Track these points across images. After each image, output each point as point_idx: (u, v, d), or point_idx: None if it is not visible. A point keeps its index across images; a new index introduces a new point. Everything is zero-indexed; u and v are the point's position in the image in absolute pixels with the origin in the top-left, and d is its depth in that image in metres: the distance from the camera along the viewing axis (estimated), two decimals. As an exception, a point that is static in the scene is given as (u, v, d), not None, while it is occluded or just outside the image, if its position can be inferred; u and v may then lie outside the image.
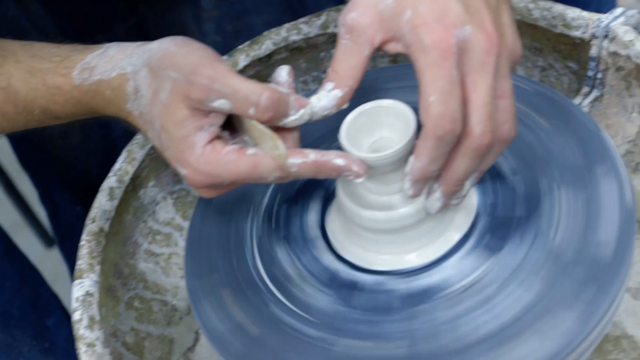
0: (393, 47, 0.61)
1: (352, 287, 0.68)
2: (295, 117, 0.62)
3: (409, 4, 0.59)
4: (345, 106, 0.63)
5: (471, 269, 0.66)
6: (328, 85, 0.62)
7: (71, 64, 0.67)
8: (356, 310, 0.66)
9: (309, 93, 0.69)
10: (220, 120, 0.62)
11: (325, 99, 0.62)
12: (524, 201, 0.69)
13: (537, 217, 0.67)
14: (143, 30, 1.09)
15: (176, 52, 0.62)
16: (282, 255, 0.71)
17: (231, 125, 0.65)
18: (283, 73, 0.64)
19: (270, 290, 0.69)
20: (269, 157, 0.61)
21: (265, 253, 0.72)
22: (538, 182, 0.69)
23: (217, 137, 0.62)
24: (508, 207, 0.69)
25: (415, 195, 0.63)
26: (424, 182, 0.62)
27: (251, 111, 0.60)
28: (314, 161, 0.61)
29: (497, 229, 0.68)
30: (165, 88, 0.61)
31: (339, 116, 0.65)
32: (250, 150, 0.61)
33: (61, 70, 0.67)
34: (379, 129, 0.66)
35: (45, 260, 1.57)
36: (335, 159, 0.61)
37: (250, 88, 0.60)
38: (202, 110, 0.61)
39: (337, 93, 0.62)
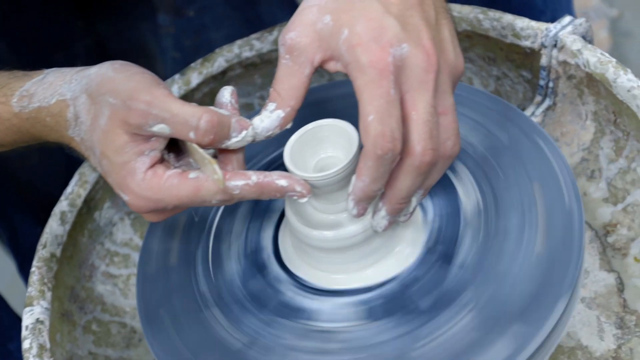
0: (333, 66, 0.61)
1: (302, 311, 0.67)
2: (237, 139, 0.61)
3: (346, 22, 0.59)
4: (288, 126, 0.63)
5: (425, 286, 0.66)
6: (270, 106, 0.62)
7: (10, 92, 0.66)
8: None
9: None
10: (161, 144, 0.61)
11: (267, 120, 0.62)
12: (474, 214, 0.69)
13: (485, 230, 0.67)
14: (103, 48, 1.09)
15: (114, 77, 0.61)
16: (234, 278, 0.71)
17: (177, 147, 0.64)
18: (226, 94, 0.64)
19: (222, 314, 0.69)
20: (211, 180, 0.60)
21: (217, 276, 0.71)
22: (487, 194, 0.70)
23: (160, 161, 0.62)
24: (457, 221, 0.69)
25: (360, 215, 0.62)
26: (368, 202, 0.61)
27: (191, 135, 0.59)
28: (257, 183, 0.61)
29: (447, 243, 0.67)
30: (104, 114, 0.60)
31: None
32: (192, 174, 0.61)
33: (0, 99, 0.67)
34: (324, 148, 0.65)
35: (19, 281, 1.55)
36: (278, 179, 0.61)
37: (189, 111, 0.59)
38: (141, 135, 0.60)
39: (280, 113, 0.62)
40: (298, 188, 0.61)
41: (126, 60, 0.95)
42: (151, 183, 0.61)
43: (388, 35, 0.57)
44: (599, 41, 1.63)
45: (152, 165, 0.61)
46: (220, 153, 0.63)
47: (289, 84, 0.61)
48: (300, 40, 0.60)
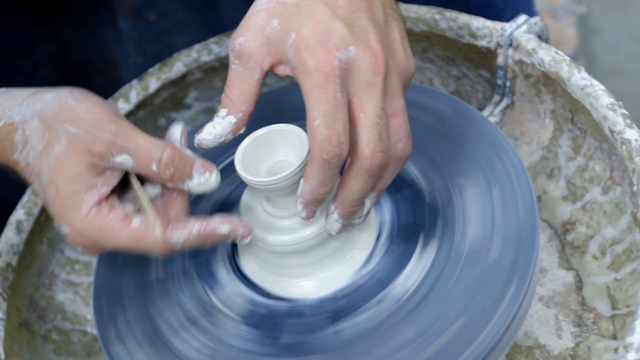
0: (282, 71, 0.61)
1: (270, 318, 0.67)
2: (199, 182, 0.61)
3: (293, 26, 0.59)
4: (241, 131, 0.63)
5: (380, 286, 0.66)
6: (222, 112, 0.62)
7: None
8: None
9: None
10: (114, 180, 0.61)
11: (219, 126, 0.62)
12: (428, 209, 0.69)
13: (442, 224, 0.67)
14: (65, 54, 1.08)
15: (75, 106, 0.61)
16: (192, 291, 0.70)
17: (124, 188, 0.64)
18: (176, 133, 0.63)
19: (183, 326, 0.68)
20: (152, 234, 0.60)
21: (176, 287, 0.71)
22: (441, 189, 0.70)
23: (107, 199, 0.61)
24: (411, 216, 0.69)
25: (309, 218, 0.62)
26: (316, 205, 0.61)
27: (153, 167, 0.60)
28: (198, 234, 0.61)
29: (402, 239, 0.67)
30: (60, 142, 0.60)
31: None
32: (135, 223, 0.61)
33: None
34: (276, 153, 0.65)
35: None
36: (220, 226, 0.61)
37: (153, 144, 0.60)
38: (100, 166, 0.60)
39: (232, 119, 0.62)
40: (240, 231, 0.62)
41: (89, 66, 0.94)
42: (93, 222, 0.60)
43: (334, 39, 0.57)
44: (567, 38, 1.63)
45: (99, 202, 0.61)
46: (165, 193, 0.63)
47: (240, 89, 0.61)
48: (248, 45, 0.60)
